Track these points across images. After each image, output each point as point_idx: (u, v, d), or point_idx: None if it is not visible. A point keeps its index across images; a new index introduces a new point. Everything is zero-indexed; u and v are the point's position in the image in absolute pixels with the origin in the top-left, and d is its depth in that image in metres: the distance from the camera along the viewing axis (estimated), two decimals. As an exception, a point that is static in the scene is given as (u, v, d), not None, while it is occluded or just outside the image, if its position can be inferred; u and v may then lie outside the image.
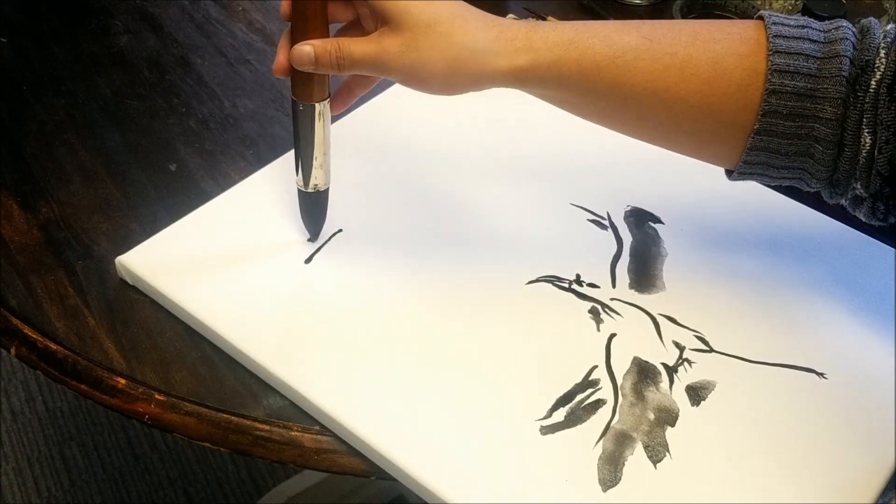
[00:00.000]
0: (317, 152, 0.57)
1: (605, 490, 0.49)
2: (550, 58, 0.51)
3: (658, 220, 0.65)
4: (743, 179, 0.55)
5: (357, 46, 0.51)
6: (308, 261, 0.60)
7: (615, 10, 0.90)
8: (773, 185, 0.55)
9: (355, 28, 0.56)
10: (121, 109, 0.74)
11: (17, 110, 0.73)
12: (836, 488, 0.50)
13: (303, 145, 0.57)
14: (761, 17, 0.51)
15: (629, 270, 0.62)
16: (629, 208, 0.66)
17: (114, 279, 0.60)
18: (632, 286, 0.61)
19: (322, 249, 0.61)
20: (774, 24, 0.51)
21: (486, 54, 0.50)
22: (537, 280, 0.60)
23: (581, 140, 0.71)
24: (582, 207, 0.66)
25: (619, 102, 0.52)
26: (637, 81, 0.51)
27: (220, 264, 0.59)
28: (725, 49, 0.51)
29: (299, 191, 0.59)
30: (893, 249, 0.64)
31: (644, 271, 0.62)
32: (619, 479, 0.50)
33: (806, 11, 0.82)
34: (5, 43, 0.80)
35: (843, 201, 0.53)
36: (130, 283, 0.60)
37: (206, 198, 0.64)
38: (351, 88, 0.58)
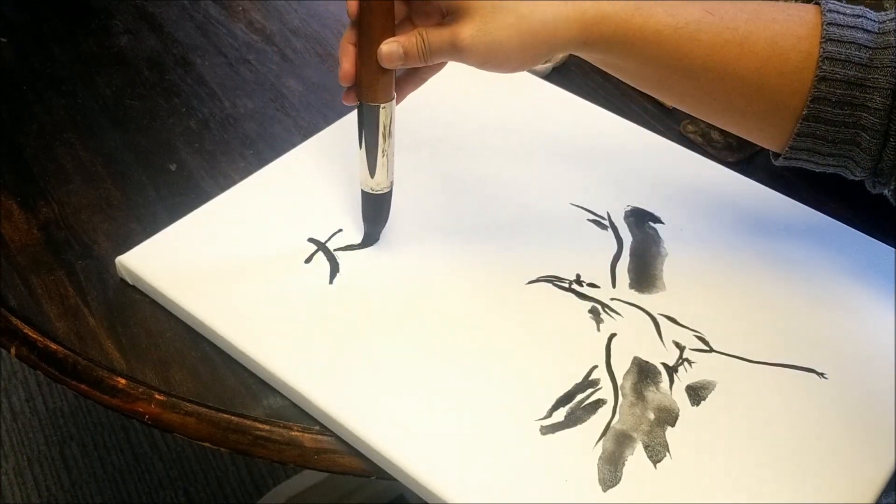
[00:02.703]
0: (387, 152, 0.57)
1: (605, 490, 0.49)
2: (617, 22, 0.51)
3: (658, 220, 0.65)
4: (789, 164, 0.55)
5: (434, 35, 0.52)
6: (308, 260, 0.60)
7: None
8: (818, 170, 0.55)
9: (406, 26, 0.56)
10: (121, 109, 0.74)
11: (17, 110, 0.73)
12: (836, 488, 0.50)
13: (371, 146, 0.57)
14: (818, 3, 0.52)
15: (629, 270, 0.62)
16: (629, 208, 0.66)
17: (114, 279, 0.60)
18: (632, 286, 0.61)
19: (322, 250, 0.61)
20: (830, 10, 0.51)
21: (557, 22, 0.51)
22: (537, 280, 0.60)
23: (581, 140, 0.71)
24: (582, 207, 0.66)
25: (678, 74, 0.53)
26: (697, 54, 0.51)
27: (220, 264, 0.59)
28: (784, 29, 0.51)
29: (364, 192, 0.59)
30: (893, 249, 0.64)
31: (644, 271, 0.62)
32: (619, 479, 0.50)
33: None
34: (5, 43, 0.80)
35: (885, 192, 0.53)
36: (130, 283, 0.60)
37: (206, 198, 0.64)
38: (420, 72, 0.58)
